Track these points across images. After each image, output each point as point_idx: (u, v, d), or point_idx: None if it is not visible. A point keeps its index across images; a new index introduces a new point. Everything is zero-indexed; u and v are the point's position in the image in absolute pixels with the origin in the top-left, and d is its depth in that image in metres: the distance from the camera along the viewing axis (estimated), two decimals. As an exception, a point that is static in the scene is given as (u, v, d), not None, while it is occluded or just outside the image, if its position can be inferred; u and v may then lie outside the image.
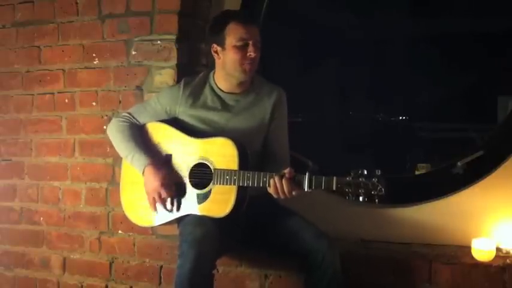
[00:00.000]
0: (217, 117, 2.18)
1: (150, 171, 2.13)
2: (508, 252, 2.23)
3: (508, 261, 2.14)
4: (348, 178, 1.85)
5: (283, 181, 1.91)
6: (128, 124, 2.25)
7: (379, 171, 1.84)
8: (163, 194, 2.11)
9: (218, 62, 2.18)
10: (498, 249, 2.22)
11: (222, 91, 2.21)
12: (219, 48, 2.14)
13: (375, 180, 1.83)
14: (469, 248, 2.21)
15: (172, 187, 2.12)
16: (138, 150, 2.17)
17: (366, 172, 1.84)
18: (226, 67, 2.14)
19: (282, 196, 1.94)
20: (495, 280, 2.08)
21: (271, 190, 1.95)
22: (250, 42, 2.09)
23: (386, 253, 2.29)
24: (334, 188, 1.87)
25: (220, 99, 2.21)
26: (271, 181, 1.94)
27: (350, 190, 1.85)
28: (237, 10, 2.51)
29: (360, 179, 1.84)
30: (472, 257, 2.18)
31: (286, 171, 1.93)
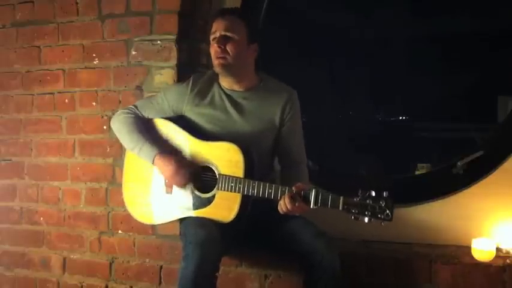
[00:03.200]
0: (224, 116, 2.17)
1: (160, 160, 2.11)
2: (508, 252, 2.23)
3: (508, 261, 2.14)
4: (355, 199, 1.85)
5: (288, 202, 1.91)
6: (134, 116, 2.23)
7: (387, 193, 1.83)
8: (179, 181, 2.09)
9: None
10: (498, 249, 2.22)
11: (228, 89, 2.20)
12: None
13: (382, 203, 1.82)
14: (469, 248, 2.21)
15: (187, 172, 2.09)
16: (146, 141, 2.15)
17: (373, 194, 1.83)
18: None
19: (289, 213, 1.95)
20: (495, 280, 2.08)
21: (279, 208, 1.96)
22: (217, 35, 2.10)
23: (386, 253, 2.29)
24: (340, 208, 1.86)
25: (228, 97, 2.19)
26: (280, 204, 1.94)
27: (356, 211, 1.85)
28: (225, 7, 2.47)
29: (368, 201, 1.84)
30: (472, 257, 2.18)
31: (295, 186, 1.93)
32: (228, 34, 2.09)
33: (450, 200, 2.41)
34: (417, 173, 2.86)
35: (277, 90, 2.20)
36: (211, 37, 2.13)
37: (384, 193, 1.83)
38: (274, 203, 2.08)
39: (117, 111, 2.59)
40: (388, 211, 1.81)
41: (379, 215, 1.82)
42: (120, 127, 2.24)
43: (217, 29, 2.11)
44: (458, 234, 2.35)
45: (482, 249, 2.17)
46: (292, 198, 1.91)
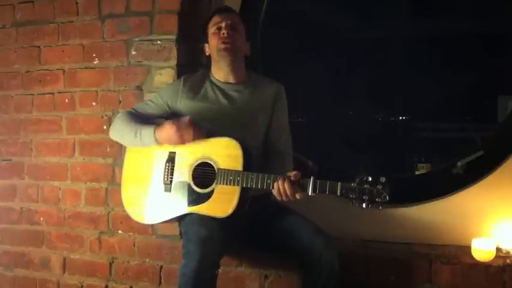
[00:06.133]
0: (218, 109, 2.21)
1: (160, 130, 2.14)
2: (508, 252, 2.23)
3: (508, 261, 2.14)
4: (352, 184, 1.86)
5: (286, 184, 1.91)
6: (128, 113, 2.29)
7: (384, 178, 1.84)
8: (187, 136, 2.10)
9: (210, 57, 2.30)
10: (498, 249, 2.22)
11: (221, 82, 2.27)
12: (206, 45, 2.29)
13: (379, 187, 1.83)
14: (469, 248, 2.21)
15: (190, 125, 2.10)
16: (143, 125, 2.19)
17: (370, 179, 1.84)
18: (213, 56, 2.27)
19: (285, 199, 1.94)
20: (495, 280, 2.08)
21: (275, 193, 1.95)
22: (223, 25, 2.22)
23: (386, 253, 2.29)
24: (338, 194, 1.87)
25: (220, 90, 2.25)
26: (275, 185, 1.94)
27: (354, 196, 1.85)
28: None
29: (365, 186, 1.84)
30: (472, 257, 2.18)
31: (292, 174, 1.93)
32: (235, 25, 2.23)
33: (450, 200, 2.40)
34: (417, 173, 2.87)
35: (267, 84, 2.30)
36: (214, 27, 2.24)
37: (381, 178, 1.84)
38: (272, 200, 2.07)
39: (117, 111, 2.60)
40: (385, 194, 1.82)
41: (376, 199, 1.82)
42: (118, 126, 2.28)
43: (224, 20, 2.23)
44: (458, 234, 2.35)
45: (482, 249, 2.17)
46: (293, 184, 1.91)
